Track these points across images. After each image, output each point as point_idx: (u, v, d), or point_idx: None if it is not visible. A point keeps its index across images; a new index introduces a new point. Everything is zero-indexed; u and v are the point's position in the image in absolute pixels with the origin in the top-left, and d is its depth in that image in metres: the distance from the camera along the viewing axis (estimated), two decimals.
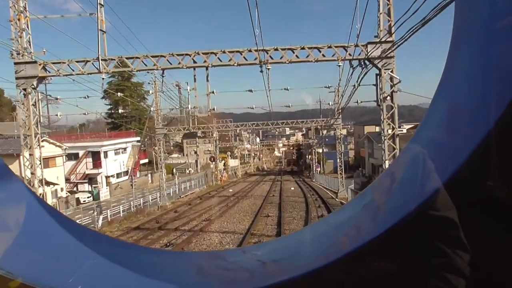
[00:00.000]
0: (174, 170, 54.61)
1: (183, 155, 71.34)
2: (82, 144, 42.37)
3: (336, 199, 26.64)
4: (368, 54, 12.03)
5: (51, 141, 36.10)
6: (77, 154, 41.75)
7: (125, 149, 46.84)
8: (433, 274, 0.90)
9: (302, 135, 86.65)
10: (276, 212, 21.15)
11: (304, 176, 55.99)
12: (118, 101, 65.63)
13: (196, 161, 63.22)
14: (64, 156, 38.44)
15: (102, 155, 41.85)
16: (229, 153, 63.13)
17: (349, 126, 67.47)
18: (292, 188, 35.15)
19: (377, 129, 61.01)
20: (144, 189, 38.53)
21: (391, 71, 12.06)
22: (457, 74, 1.00)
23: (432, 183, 0.90)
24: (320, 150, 54.98)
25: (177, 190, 36.76)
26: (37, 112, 13.50)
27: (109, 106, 67.46)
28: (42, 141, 35.34)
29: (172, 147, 74.63)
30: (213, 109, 18.83)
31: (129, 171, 45.72)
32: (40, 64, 13.29)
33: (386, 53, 11.70)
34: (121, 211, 25.18)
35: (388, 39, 11.79)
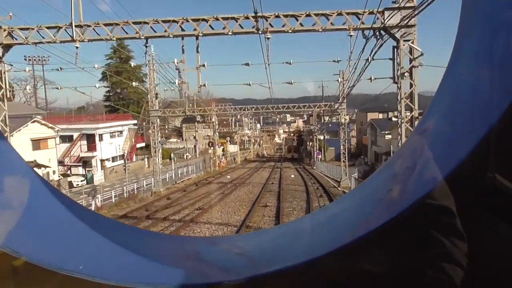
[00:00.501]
0: (172, 155, 53.17)
1: (182, 140, 69.66)
2: (76, 126, 40.62)
3: (339, 188, 25.04)
4: (385, 22, 10.13)
5: (43, 122, 34.47)
6: (72, 136, 40.12)
7: (121, 132, 45.10)
8: (431, 264, 0.90)
9: (303, 121, 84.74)
10: (275, 201, 19.59)
11: (304, 163, 54.38)
12: (116, 84, 63.93)
13: (195, 146, 61.62)
14: (57, 138, 36.89)
15: (97, 138, 40.15)
16: (228, 138, 61.34)
17: (351, 113, 65.15)
18: (292, 176, 33.56)
19: (380, 116, 59.48)
20: (139, 173, 37.03)
21: (412, 42, 10.22)
22: (462, 66, 0.98)
23: (433, 175, 0.90)
24: (322, 137, 53.16)
25: (173, 176, 35.32)
26: (3, 85, 11.73)
27: (107, 89, 65.33)
28: (33, 122, 34.11)
29: (170, 132, 72.70)
30: (204, 85, 17.09)
31: (125, 155, 44.15)
32: (4, 30, 11.51)
33: (406, 21, 9.80)
34: (113, 197, 23.81)
35: (408, 4, 9.89)
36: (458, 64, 0.99)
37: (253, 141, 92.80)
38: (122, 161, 43.24)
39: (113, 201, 23.10)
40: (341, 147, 26.55)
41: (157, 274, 1.05)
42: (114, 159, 43.02)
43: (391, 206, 0.95)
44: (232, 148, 69.70)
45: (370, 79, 13.66)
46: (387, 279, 0.93)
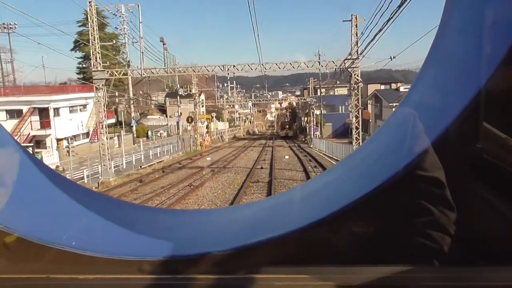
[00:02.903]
0: (150, 133, 45.46)
1: (167, 116, 61.64)
2: (25, 99, 32.41)
3: None
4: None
5: None
6: (21, 111, 32.17)
7: (85, 106, 37.11)
8: (419, 231, 0.89)
9: (297, 96, 76.80)
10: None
11: (299, 141, 47.21)
12: (89, 54, 55.19)
13: (178, 123, 53.84)
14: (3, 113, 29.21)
15: (51, 112, 32.26)
16: (214, 114, 53.50)
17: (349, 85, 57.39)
18: (287, 157, 26.35)
19: (382, 87, 52.11)
20: (106, 154, 29.49)
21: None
22: (448, 37, 0.99)
23: (421, 144, 0.90)
24: (318, 112, 45.58)
25: (142, 158, 28.01)
26: None
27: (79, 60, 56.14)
28: None
29: (152, 105, 64.26)
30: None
31: (90, 133, 36.38)
32: None
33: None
34: None
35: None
36: (445, 36, 0.98)
37: (244, 118, 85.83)
38: (87, 140, 35.95)
39: None
40: (353, 119, 19.25)
41: (148, 246, 1.02)
42: (76, 137, 35.25)
43: (379, 176, 0.92)
44: (221, 125, 62.62)
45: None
46: (376, 247, 0.90)
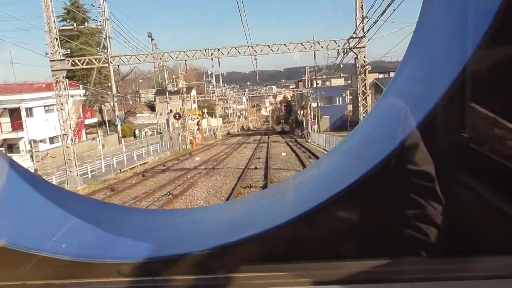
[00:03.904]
0: (137, 132, 42.19)
1: (157, 114, 58.22)
2: None
3: None
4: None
5: None
6: None
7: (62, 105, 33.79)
8: (406, 223, 0.86)
9: (292, 89, 73.57)
10: None
11: (296, 136, 44.31)
12: (72, 50, 51.60)
13: (167, 120, 50.60)
14: None
15: (23, 112, 29.05)
16: (205, 110, 50.32)
17: (346, 77, 54.00)
18: (284, 154, 23.45)
19: (381, 76, 49.16)
20: (86, 157, 26.37)
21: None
22: (426, 27, 0.99)
23: (404, 134, 0.87)
24: (314, 105, 42.54)
25: (125, 160, 25.04)
26: None
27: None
28: None
29: (141, 103, 60.80)
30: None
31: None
32: None
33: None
34: None
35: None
36: (424, 25, 0.98)
37: (238, 114, 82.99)
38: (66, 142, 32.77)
39: None
40: (361, 108, 16.28)
41: (127, 248, 0.99)
42: (53, 140, 32.04)
43: (360, 169, 0.89)
44: (215, 122, 59.51)
45: None
46: (359, 241, 0.89)
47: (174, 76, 35.54)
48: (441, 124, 0.84)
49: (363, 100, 15.59)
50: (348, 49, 14.80)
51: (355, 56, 13.84)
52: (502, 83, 0.82)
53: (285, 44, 15.11)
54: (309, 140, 34.30)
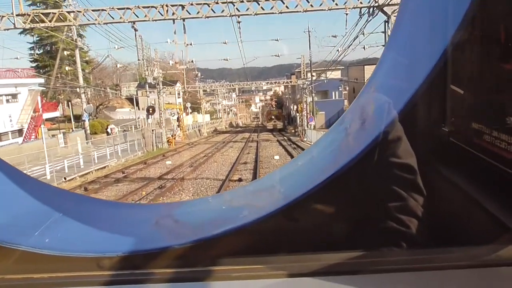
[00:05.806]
0: (109, 129, 36.56)
1: (136, 109, 52.53)
2: None
3: None
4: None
5: None
6: None
7: (15, 96, 28.15)
8: (388, 215, 0.87)
9: (284, 83, 68.49)
10: None
11: (288, 134, 39.35)
12: (42, 38, 45.58)
13: (147, 115, 45.07)
14: None
15: None
16: (189, 104, 44.93)
17: (341, 70, 49.09)
18: (277, 158, 18.49)
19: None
20: (41, 158, 20.95)
21: None
22: (404, 25, 1.00)
23: (384, 126, 0.88)
24: (309, 99, 37.54)
25: (81, 163, 19.83)
26: None
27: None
28: None
29: (121, 97, 54.97)
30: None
31: (24, 130, 27.65)
32: None
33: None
34: None
35: None
36: (402, 22, 0.99)
37: (227, 110, 78.02)
38: (20, 139, 27.25)
39: None
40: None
41: (107, 242, 0.98)
42: (3, 136, 26.45)
43: (340, 161, 0.90)
44: (201, 118, 54.30)
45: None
46: (343, 230, 0.88)
47: (147, 65, 30.10)
48: (422, 115, 0.84)
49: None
50: (374, 8, 9.77)
51: (386, 19, 8.86)
52: (480, 68, 0.82)
53: (282, 1, 10.01)
54: (305, 139, 29.34)
